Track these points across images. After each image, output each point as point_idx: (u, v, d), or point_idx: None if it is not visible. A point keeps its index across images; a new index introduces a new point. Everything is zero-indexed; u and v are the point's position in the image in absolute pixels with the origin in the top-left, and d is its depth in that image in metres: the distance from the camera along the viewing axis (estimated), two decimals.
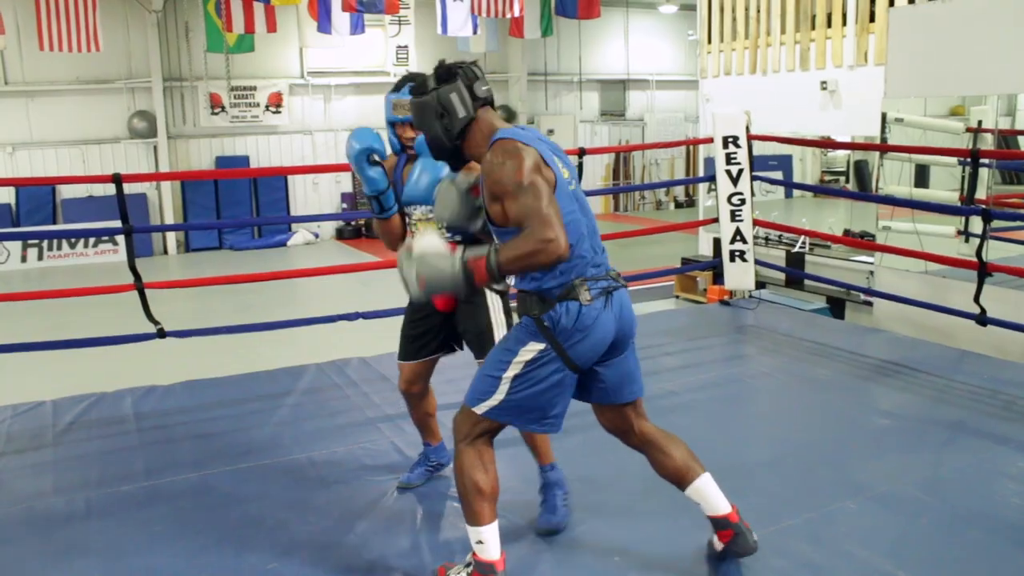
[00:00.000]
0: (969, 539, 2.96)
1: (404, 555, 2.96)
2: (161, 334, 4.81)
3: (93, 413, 4.53)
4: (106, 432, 4.28)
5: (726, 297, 6.68)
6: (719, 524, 2.72)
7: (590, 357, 2.52)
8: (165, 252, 14.82)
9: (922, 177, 8.02)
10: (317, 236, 15.79)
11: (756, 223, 6.58)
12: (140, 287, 4.77)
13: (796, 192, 14.67)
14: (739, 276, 6.44)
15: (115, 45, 13.85)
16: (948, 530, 3.03)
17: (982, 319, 4.90)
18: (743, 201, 6.27)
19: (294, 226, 15.66)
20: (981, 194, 6.78)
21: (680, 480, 2.72)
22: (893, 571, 2.75)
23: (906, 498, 3.26)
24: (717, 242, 6.78)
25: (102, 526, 3.25)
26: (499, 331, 3.08)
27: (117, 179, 4.62)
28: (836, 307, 7.85)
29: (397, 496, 3.42)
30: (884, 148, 6.68)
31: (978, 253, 4.90)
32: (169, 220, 14.64)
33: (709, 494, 2.71)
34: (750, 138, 6.07)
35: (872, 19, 8.10)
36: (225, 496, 3.46)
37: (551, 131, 17.64)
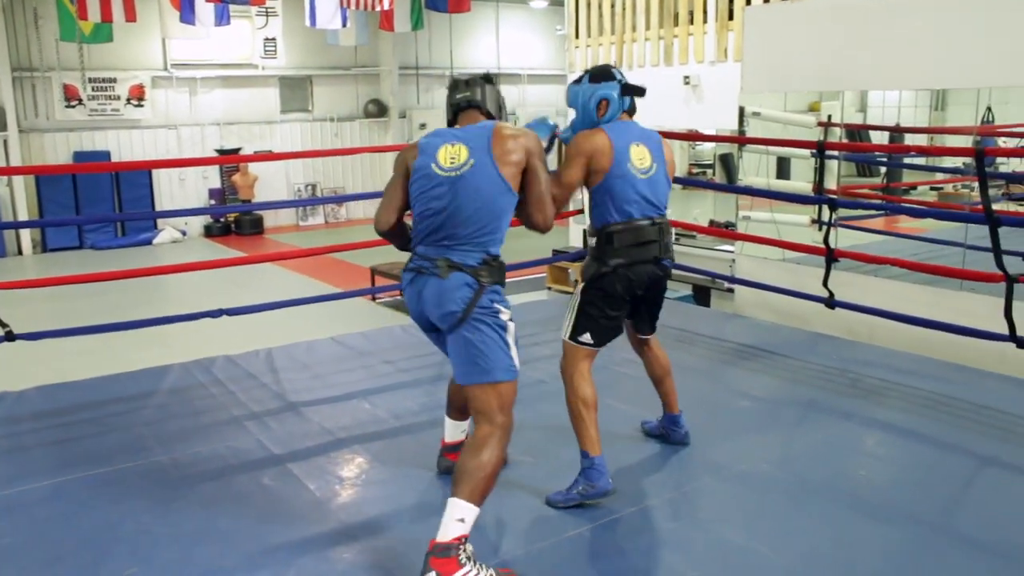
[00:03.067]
0: (816, 510, 3.15)
1: (269, 551, 2.91)
2: (10, 337, 4.56)
3: None
4: None
5: None
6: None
7: (416, 318, 2.98)
8: (20, 252, 14.03)
9: (783, 169, 8.39)
10: (184, 234, 15.27)
11: None
12: None
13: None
14: None
15: None
16: (797, 502, 3.22)
17: (830, 302, 5.18)
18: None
19: (160, 223, 15.08)
20: (832, 185, 7.15)
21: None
22: (746, 542, 2.90)
23: (759, 474, 3.44)
24: (585, 233, 6.91)
25: None
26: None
27: None
28: (702, 295, 8.15)
29: (262, 494, 3.36)
30: (738, 140, 6.96)
31: (825, 240, 5.17)
32: (23, 219, 13.87)
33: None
34: None
35: (731, 17, 8.43)
36: (82, 503, 3.32)
37: (423, 125, 17.61)
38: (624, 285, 3.28)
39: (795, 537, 2.97)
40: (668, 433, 3.74)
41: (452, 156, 2.80)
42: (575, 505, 3.15)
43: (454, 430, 3.45)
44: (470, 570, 2.55)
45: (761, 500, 3.25)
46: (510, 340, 2.83)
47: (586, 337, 3.31)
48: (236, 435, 3.98)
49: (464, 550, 2.58)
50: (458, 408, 3.37)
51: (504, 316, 2.82)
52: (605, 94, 3.31)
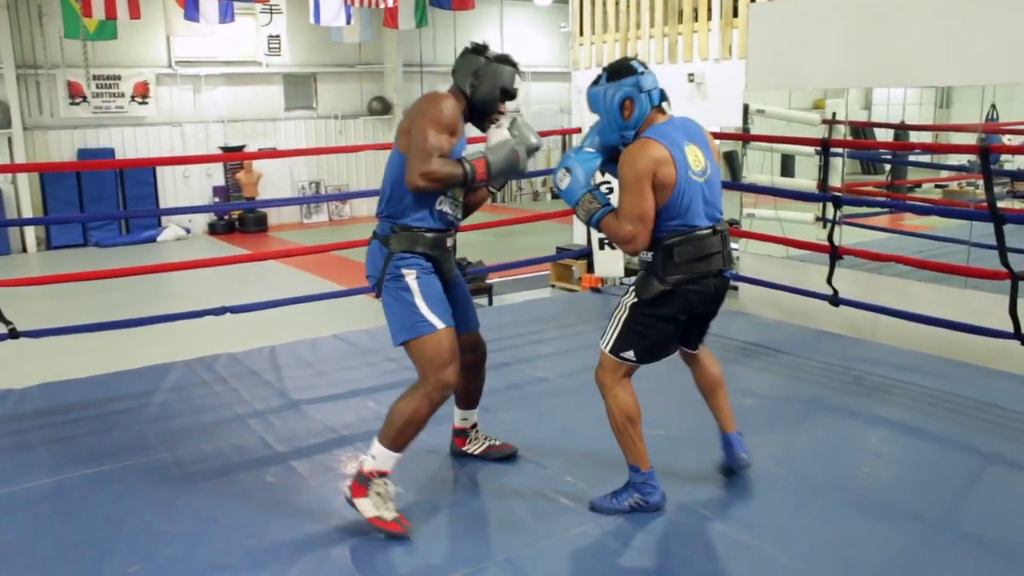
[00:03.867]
0: (818, 508, 3.14)
1: (271, 549, 2.91)
2: (13, 334, 4.57)
3: None
4: None
5: (598, 285, 6.82)
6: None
7: None
8: (24, 250, 14.06)
9: (788, 167, 8.38)
10: (188, 231, 15.30)
11: None
12: None
13: None
14: (609, 264, 6.58)
15: None
16: (799, 500, 3.21)
17: (834, 300, 5.16)
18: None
19: (164, 221, 15.11)
20: (836, 182, 7.13)
21: None
22: (749, 540, 2.90)
23: (762, 472, 3.42)
24: (590, 230, 6.91)
25: None
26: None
27: None
28: None
29: (264, 491, 3.36)
30: (741, 137, 6.95)
31: (829, 237, 5.15)
32: (28, 216, 13.89)
33: None
34: None
35: (736, 14, 8.41)
36: (84, 500, 3.33)
37: None
38: (683, 304, 2.96)
39: (797, 535, 2.96)
40: (724, 455, 3.36)
41: None
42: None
43: (458, 415, 3.58)
44: (372, 502, 2.95)
45: (764, 498, 3.24)
46: (415, 299, 3.01)
47: (629, 354, 3.01)
48: (239, 432, 3.98)
49: (376, 485, 2.95)
50: (459, 394, 3.48)
51: (408, 278, 3.02)
52: (627, 92, 2.94)
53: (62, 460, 3.71)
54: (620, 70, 2.98)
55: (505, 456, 3.57)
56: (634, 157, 2.87)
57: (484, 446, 3.60)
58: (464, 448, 3.60)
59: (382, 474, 2.97)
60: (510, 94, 3.13)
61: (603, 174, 3.37)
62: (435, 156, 2.90)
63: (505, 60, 3.14)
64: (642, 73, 2.95)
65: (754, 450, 3.64)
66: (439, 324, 3.00)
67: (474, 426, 3.61)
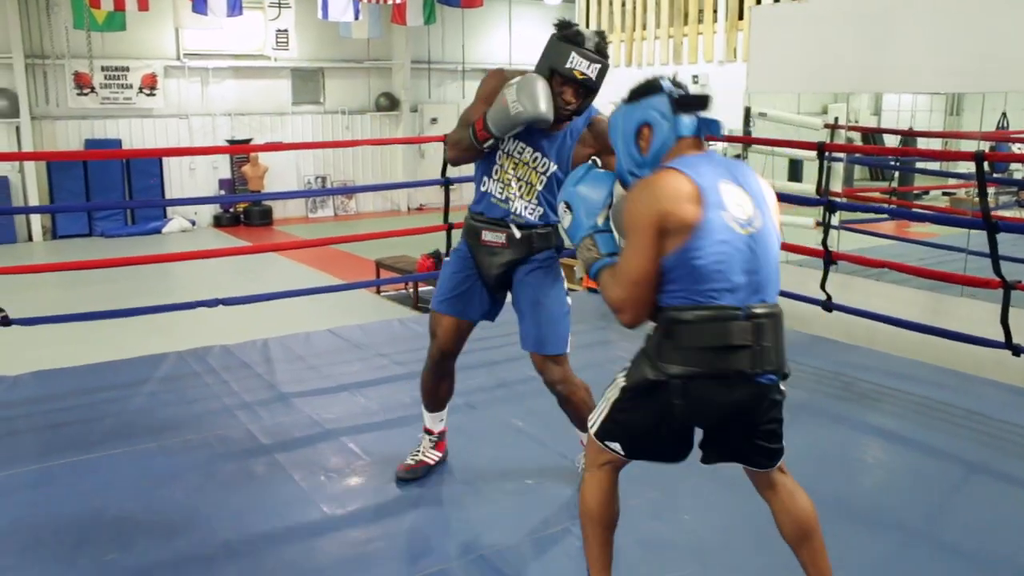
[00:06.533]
0: None
1: (250, 540, 2.92)
2: (5, 321, 4.59)
3: None
4: None
5: (597, 286, 6.80)
6: None
7: None
8: (30, 239, 14.11)
9: (796, 171, 8.36)
10: (194, 223, 15.33)
11: None
12: None
13: None
14: None
15: None
16: None
17: (827, 305, 5.15)
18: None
19: (169, 212, 15.15)
20: (837, 187, 7.11)
21: None
22: (726, 543, 2.91)
23: (743, 476, 3.40)
24: None
25: None
26: None
27: None
28: None
29: (247, 483, 3.37)
30: (740, 140, 6.93)
31: (823, 242, 5.14)
32: (34, 205, 13.94)
33: None
34: None
35: (741, 16, 8.39)
36: (67, 488, 3.34)
37: (434, 120, 17.64)
38: (681, 408, 2.14)
39: (776, 539, 2.93)
40: None
41: None
42: None
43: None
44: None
45: (745, 502, 3.20)
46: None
47: (615, 446, 2.29)
48: (225, 424, 3.99)
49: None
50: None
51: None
52: (646, 116, 2.20)
53: (48, 448, 3.73)
54: (642, 88, 2.25)
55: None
56: (639, 193, 2.12)
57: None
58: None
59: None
60: (565, 76, 2.78)
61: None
62: (459, 125, 3.02)
63: (572, 39, 2.80)
64: (670, 93, 2.20)
65: None
66: (433, 304, 3.20)
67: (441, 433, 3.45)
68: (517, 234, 3.02)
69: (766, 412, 2.24)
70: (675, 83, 2.24)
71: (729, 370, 2.10)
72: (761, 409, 2.22)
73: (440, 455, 3.45)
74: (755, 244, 2.09)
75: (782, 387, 2.25)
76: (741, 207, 2.08)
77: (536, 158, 2.98)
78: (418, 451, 3.43)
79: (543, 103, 2.77)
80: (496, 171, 3.03)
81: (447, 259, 3.27)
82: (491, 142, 2.94)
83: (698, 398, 2.12)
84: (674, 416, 2.16)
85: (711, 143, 2.65)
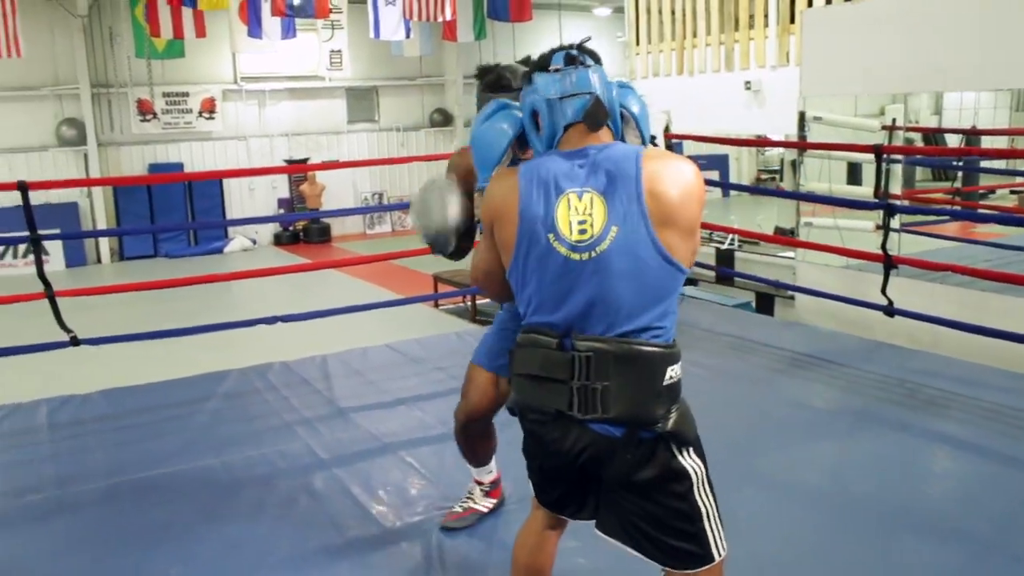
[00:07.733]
0: (860, 524, 3.05)
1: (309, 555, 2.95)
2: (75, 342, 4.72)
3: (5, 425, 4.43)
4: (17, 443, 4.19)
5: None
6: None
7: None
8: (99, 261, 14.53)
9: (855, 174, 8.23)
10: (255, 242, 15.62)
11: None
12: (51, 295, 4.68)
13: (733, 191, 14.95)
14: None
15: (40, 51, 13.56)
16: (841, 516, 3.12)
17: (889, 310, 5.04)
18: None
19: (231, 232, 15.46)
20: (896, 189, 6.97)
21: None
22: (781, 555, 2.84)
23: (804, 486, 3.35)
24: None
25: None
26: None
27: (22, 187, 4.52)
28: (765, 302, 8.01)
29: (307, 498, 3.41)
30: (794, 145, 6.85)
31: (883, 246, 5.03)
32: (102, 228, 14.36)
33: None
34: (668, 138, 6.18)
35: (792, 20, 8.28)
36: (133, 504, 3.42)
37: None
38: (524, 441, 1.98)
39: (835, 551, 2.88)
40: None
41: None
42: None
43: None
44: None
45: (803, 513, 3.17)
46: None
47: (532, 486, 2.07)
48: (286, 440, 4.05)
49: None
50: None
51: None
52: (532, 102, 1.91)
53: (115, 464, 3.82)
54: (533, 66, 1.96)
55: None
56: (489, 186, 1.96)
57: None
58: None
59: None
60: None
61: None
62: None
63: (494, 87, 2.65)
64: (560, 71, 1.87)
65: (797, 463, 3.59)
66: (474, 358, 2.86)
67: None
68: None
69: (637, 477, 1.82)
70: (570, 58, 1.89)
71: (545, 406, 1.83)
72: (617, 467, 1.82)
73: (495, 502, 3.15)
74: (595, 268, 1.75)
75: (664, 450, 1.84)
76: (585, 224, 1.76)
77: None
78: (469, 498, 3.12)
79: (436, 215, 2.49)
80: None
81: (499, 311, 2.85)
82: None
83: (530, 432, 1.92)
84: (528, 454, 1.98)
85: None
